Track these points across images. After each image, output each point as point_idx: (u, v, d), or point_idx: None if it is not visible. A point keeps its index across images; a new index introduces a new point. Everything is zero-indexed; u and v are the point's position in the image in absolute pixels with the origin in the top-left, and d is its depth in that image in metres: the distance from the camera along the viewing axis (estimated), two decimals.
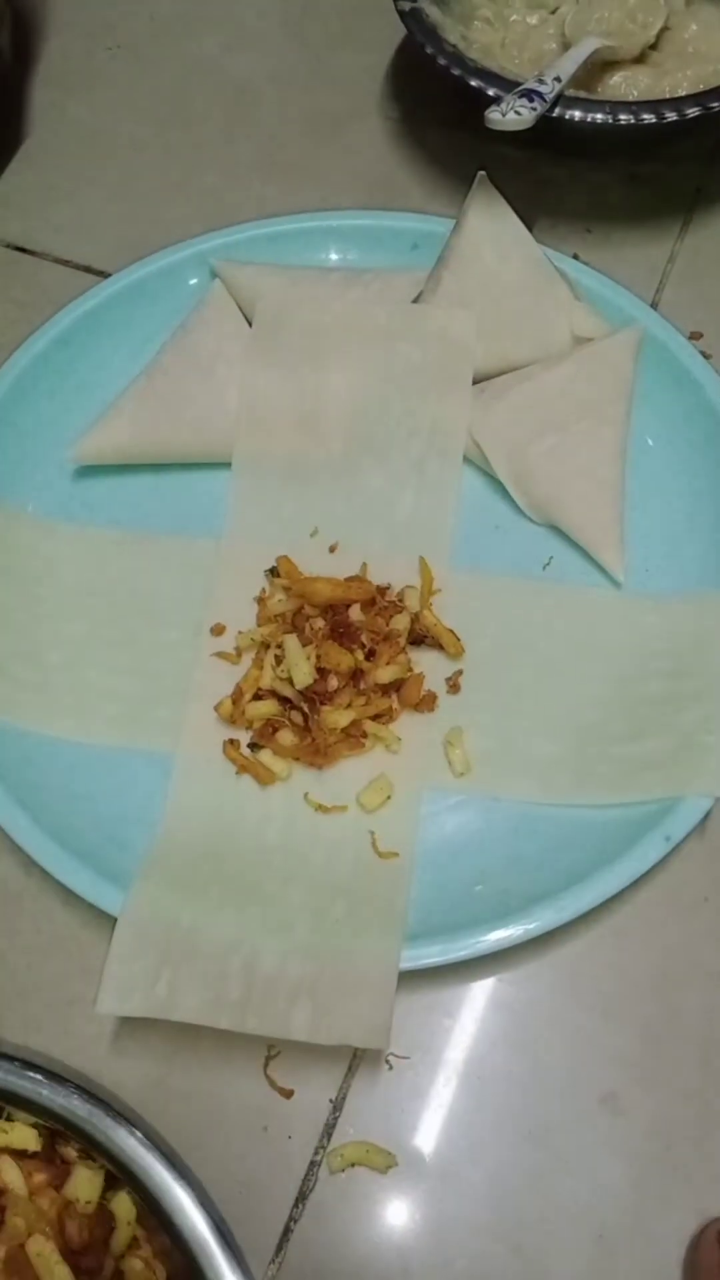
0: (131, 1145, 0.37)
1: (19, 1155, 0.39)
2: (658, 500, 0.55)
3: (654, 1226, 0.42)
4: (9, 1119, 0.40)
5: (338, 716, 0.49)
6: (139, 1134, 0.37)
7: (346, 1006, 0.42)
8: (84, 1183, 0.38)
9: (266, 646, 0.51)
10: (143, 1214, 0.38)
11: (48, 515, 0.56)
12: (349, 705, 0.49)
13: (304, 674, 0.49)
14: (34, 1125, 0.39)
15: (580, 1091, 0.44)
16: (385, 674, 0.50)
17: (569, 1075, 0.45)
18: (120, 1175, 0.38)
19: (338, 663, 0.49)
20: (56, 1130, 0.39)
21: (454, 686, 0.51)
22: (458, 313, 0.58)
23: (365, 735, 0.50)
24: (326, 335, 0.58)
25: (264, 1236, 0.42)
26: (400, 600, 0.53)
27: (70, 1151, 0.39)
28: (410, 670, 0.51)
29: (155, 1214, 0.36)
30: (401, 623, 0.51)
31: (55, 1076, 0.39)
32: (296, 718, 0.50)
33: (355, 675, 0.50)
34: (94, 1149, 0.38)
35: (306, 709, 0.50)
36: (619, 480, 0.55)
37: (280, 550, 0.54)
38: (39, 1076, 0.39)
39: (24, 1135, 0.39)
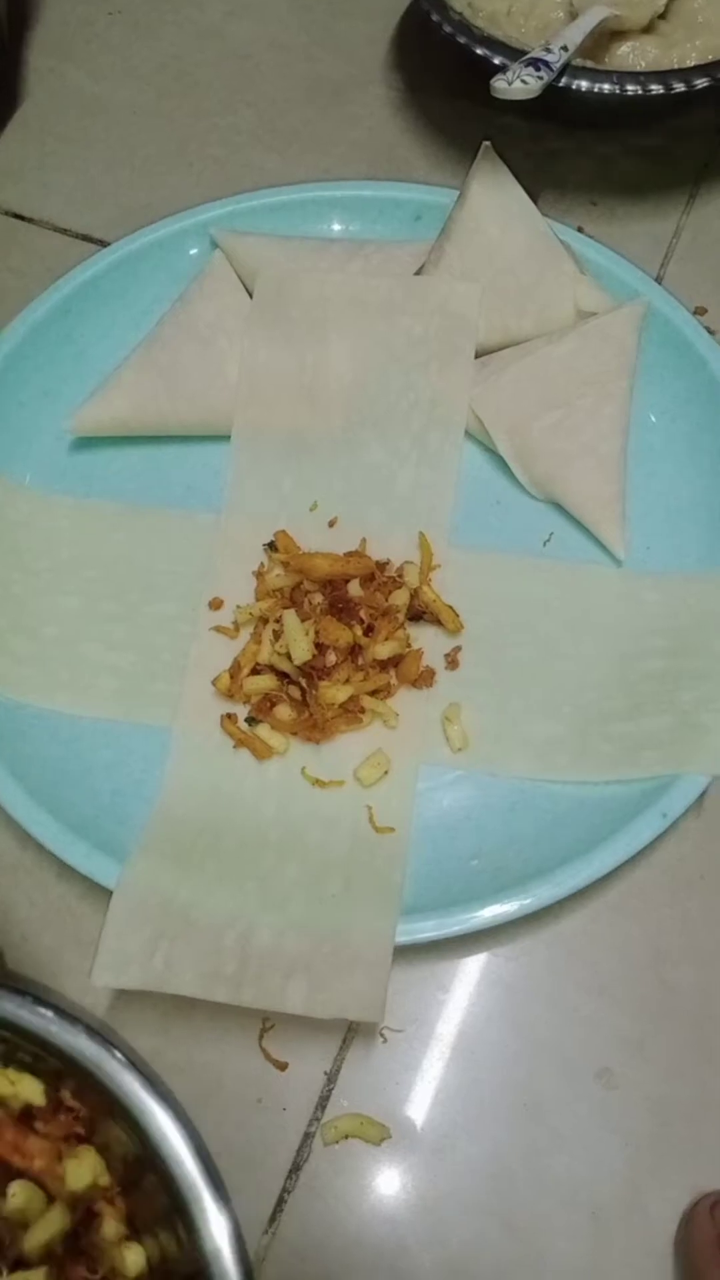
0: (134, 1087, 0.37)
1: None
2: (660, 477, 0.55)
3: (648, 1203, 0.42)
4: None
5: (335, 692, 0.49)
6: (142, 1076, 0.37)
7: (342, 980, 0.42)
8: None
9: (265, 621, 0.51)
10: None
11: (46, 487, 0.56)
12: (347, 681, 0.49)
13: (302, 649, 0.49)
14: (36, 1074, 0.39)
15: (575, 1067, 0.44)
16: (384, 650, 0.50)
17: (564, 1051, 0.45)
18: (117, 1114, 0.37)
19: (336, 638, 0.49)
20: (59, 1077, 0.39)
21: (452, 662, 0.51)
22: (460, 286, 0.57)
23: (363, 711, 0.49)
24: (327, 308, 0.58)
25: (258, 1207, 0.42)
26: (399, 576, 0.52)
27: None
28: (409, 646, 0.51)
29: (150, 1154, 0.36)
30: (400, 598, 0.51)
31: (65, 1015, 0.38)
32: (294, 693, 0.50)
33: (354, 651, 0.50)
34: (96, 1090, 0.38)
35: (304, 684, 0.49)
36: (621, 456, 0.54)
37: (279, 524, 0.54)
38: (49, 1014, 0.38)
39: (31, 1089, 0.39)
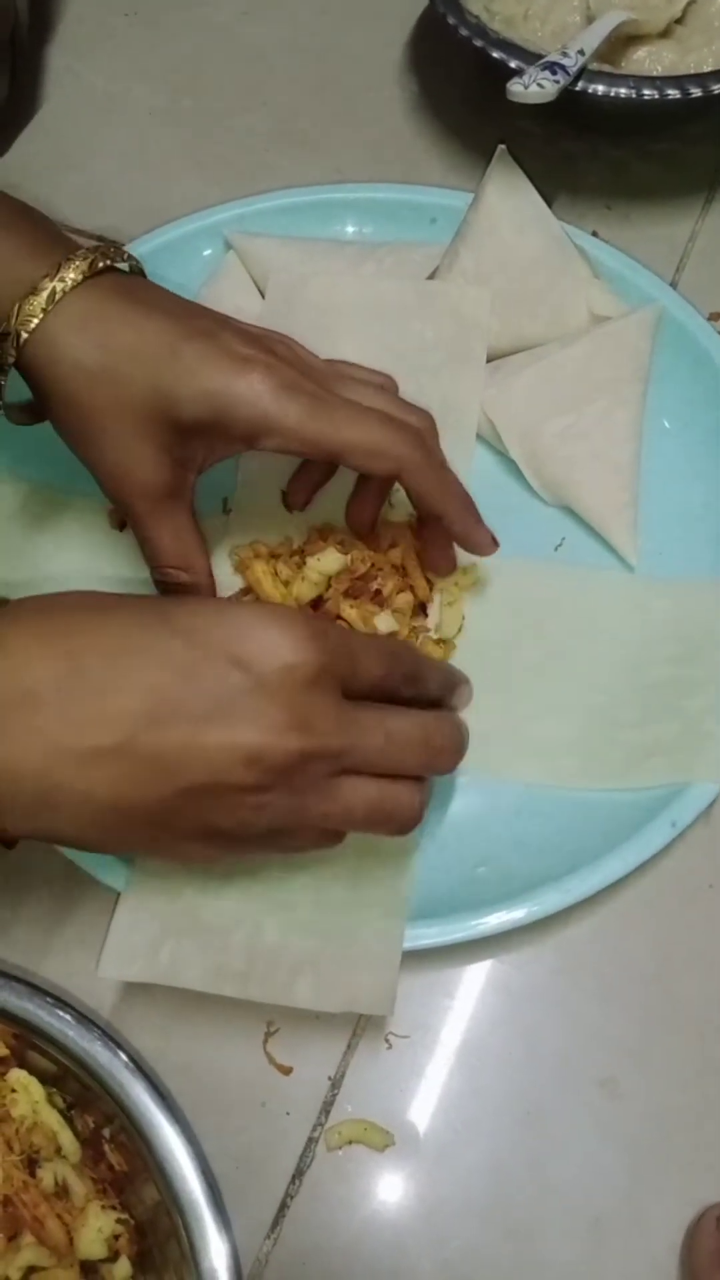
0: (143, 1099, 0.39)
1: None
2: (673, 484, 0.55)
3: (649, 1212, 0.42)
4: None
5: None
6: (152, 1089, 0.39)
7: (351, 975, 0.42)
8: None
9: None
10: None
11: (54, 488, 0.56)
12: None
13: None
14: None
15: (578, 1076, 0.44)
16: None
17: (567, 1059, 0.45)
18: (128, 1126, 0.39)
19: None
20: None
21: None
22: (470, 290, 0.57)
23: None
24: (339, 311, 0.57)
25: (260, 1211, 0.42)
26: (407, 579, 0.52)
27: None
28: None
29: (154, 1170, 0.37)
30: (408, 601, 0.51)
31: (83, 1019, 0.40)
32: None
33: None
34: (106, 1096, 0.39)
35: None
36: (634, 462, 0.54)
37: (287, 527, 0.54)
38: (67, 1016, 0.40)
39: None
